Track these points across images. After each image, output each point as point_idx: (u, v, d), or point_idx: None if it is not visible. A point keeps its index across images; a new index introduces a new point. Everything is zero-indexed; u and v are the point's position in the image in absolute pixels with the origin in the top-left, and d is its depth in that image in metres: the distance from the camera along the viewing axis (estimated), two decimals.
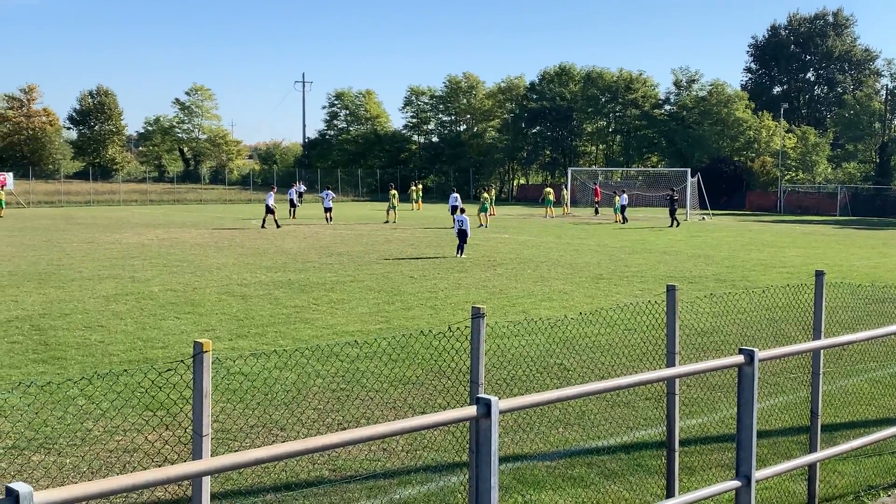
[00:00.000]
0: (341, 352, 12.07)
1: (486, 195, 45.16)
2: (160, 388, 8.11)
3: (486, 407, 3.60)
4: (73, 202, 66.13)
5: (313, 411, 9.61)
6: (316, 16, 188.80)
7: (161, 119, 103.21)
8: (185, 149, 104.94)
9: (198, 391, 4.65)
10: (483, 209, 42.44)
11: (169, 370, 6.52)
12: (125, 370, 10.60)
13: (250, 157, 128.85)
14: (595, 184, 63.43)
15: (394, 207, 45.93)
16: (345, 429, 9.02)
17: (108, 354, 12.39)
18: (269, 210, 39.74)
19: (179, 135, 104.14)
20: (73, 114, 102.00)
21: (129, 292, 18.48)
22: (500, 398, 3.78)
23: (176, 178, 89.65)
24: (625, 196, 49.79)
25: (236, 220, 45.35)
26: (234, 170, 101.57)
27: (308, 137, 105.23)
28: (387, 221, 44.83)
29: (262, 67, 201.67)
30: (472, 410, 3.64)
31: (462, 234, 27.38)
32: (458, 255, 26.95)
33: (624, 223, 46.84)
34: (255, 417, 9.29)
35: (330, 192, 47.18)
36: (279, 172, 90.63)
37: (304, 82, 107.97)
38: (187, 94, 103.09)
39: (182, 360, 5.93)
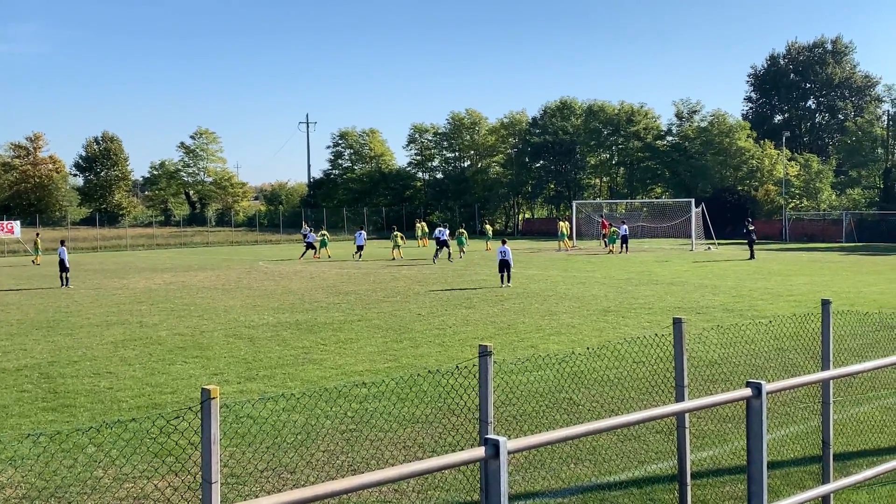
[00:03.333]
0: (350, 392, 12.06)
1: (461, 230, 48.46)
2: (169, 434, 8.11)
3: (494, 448, 3.60)
4: (80, 248, 66.32)
5: (323, 453, 9.58)
6: (319, 56, 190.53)
7: (166, 163, 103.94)
8: (191, 192, 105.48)
9: (206, 438, 4.66)
10: (460, 242, 46.37)
11: (177, 417, 6.53)
12: (133, 418, 10.60)
13: (256, 198, 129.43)
14: (601, 216, 63.57)
15: (398, 246, 47.30)
16: (355, 470, 8.99)
17: (116, 401, 12.39)
18: (310, 246, 45.73)
19: (185, 178, 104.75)
20: (80, 160, 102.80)
21: (137, 338, 18.50)
22: (508, 438, 3.78)
23: (182, 222, 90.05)
24: (624, 227, 51.71)
25: (243, 262, 45.47)
26: (239, 211, 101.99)
27: (313, 177, 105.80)
28: (392, 259, 45.84)
29: (266, 109, 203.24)
30: (480, 452, 3.64)
31: (504, 265, 29.27)
32: (506, 285, 29.01)
33: (622, 253, 48.82)
34: (265, 462, 9.26)
35: (363, 231, 49.23)
36: (285, 213, 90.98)
37: (308, 123, 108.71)
38: (192, 137, 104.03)
39: (190, 407, 5.94)
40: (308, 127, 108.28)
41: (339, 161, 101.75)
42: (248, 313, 22.57)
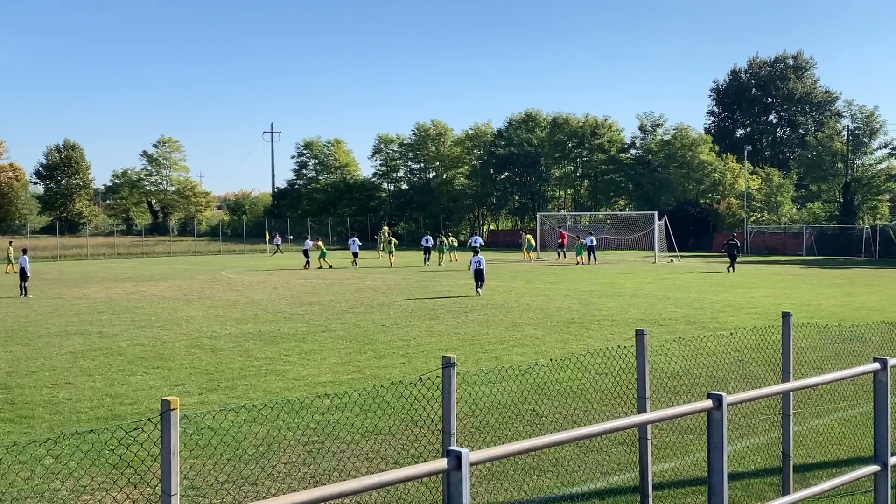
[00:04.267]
0: (312, 404, 11.98)
1: (444, 238, 53.34)
2: (128, 446, 8.00)
3: (456, 460, 3.60)
4: (40, 257, 65.33)
5: (284, 465, 9.50)
6: (284, 66, 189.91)
7: (129, 172, 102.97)
8: (154, 201, 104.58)
9: (165, 450, 4.60)
10: (441, 251, 51.01)
11: (137, 428, 6.44)
12: (92, 429, 10.45)
13: (219, 207, 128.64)
14: (560, 228, 63.92)
15: (391, 252, 50.93)
16: (317, 482, 8.94)
17: (75, 412, 12.21)
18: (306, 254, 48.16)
19: (147, 187, 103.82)
20: (40, 168, 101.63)
21: (96, 348, 18.26)
22: (470, 450, 3.78)
23: (144, 231, 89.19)
24: (591, 238, 52.69)
25: (205, 272, 45.10)
26: (202, 221, 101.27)
27: (277, 187, 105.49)
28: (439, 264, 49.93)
29: (230, 118, 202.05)
30: (442, 464, 3.63)
31: (478, 274, 30.20)
32: (477, 294, 29.74)
33: (590, 264, 49.84)
34: (225, 474, 9.17)
35: (356, 239, 52.00)
36: (248, 223, 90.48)
37: (272, 132, 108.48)
38: (155, 146, 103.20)
39: (150, 419, 5.87)
40: (272, 136, 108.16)
41: (304, 171, 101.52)
42: (211, 324, 22.38)
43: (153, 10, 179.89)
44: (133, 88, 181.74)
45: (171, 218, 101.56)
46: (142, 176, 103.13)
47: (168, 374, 15.16)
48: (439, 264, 49.77)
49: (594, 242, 52.74)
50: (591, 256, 51.03)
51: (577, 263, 50.28)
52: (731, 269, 43.74)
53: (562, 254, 56.42)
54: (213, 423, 10.67)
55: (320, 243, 50.16)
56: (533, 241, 56.87)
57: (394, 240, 53.84)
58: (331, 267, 46.95)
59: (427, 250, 51.65)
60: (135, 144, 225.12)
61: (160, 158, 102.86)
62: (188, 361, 16.51)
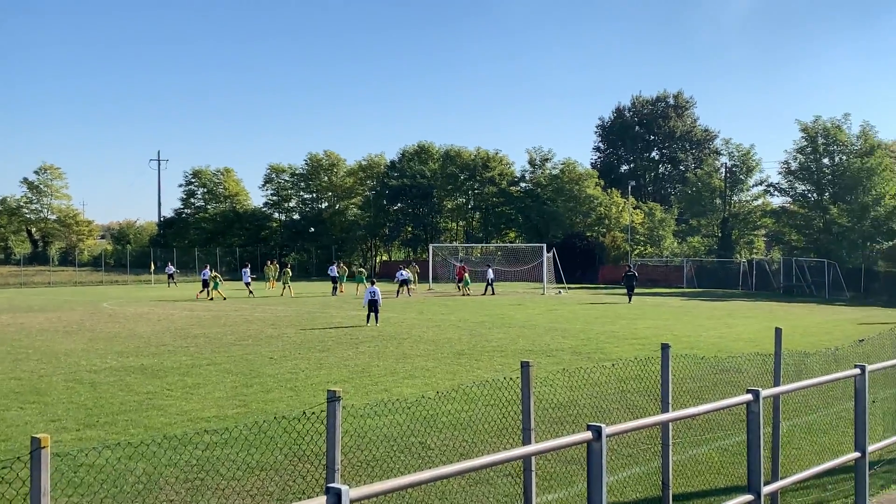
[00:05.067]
0: (195, 439, 11.71)
1: (360, 269, 55.04)
2: None
3: (336, 497, 3.57)
4: None
5: (166, 503, 9.25)
6: (172, 92, 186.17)
7: (8, 199, 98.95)
8: (34, 229, 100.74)
9: (35, 490, 4.43)
10: (359, 280, 51.51)
11: (5, 467, 6.18)
12: None
13: (102, 237, 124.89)
14: (460, 262, 64.10)
15: (287, 284, 50.84)
16: None
17: None
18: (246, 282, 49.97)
19: (27, 215, 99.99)
20: None
21: None
22: (356, 484, 3.76)
23: (23, 260, 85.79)
24: (490, 270, 53.88)
25: (87, 303, 43.63)
26: (84, 251, 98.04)
27: (164, 216, 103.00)
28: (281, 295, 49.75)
29: (115, 145, 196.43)
30: (321, 501, 3.60)
31: (372, 304, 30.39)
32: (373, 324, 30.00)
33: (486, 294, 50.91)
34: None
35: (247, 270, 53.11)
36: (133, 253, 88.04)
37: (159, 160, 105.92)
38: (36, 173, 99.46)
39: (19, 457, 5.65)
40: (159, 164, 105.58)
41: (192, 200, 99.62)
42: (91, 357, 21.65)
43: (36, 32, 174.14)
44: (13, 113, 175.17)
45: (51, 247, 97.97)
46: (21, 203, 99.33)
47: (44, 409, 14.58)
48: (339, 293, 50.77)
49: (493, 276, 53.75)
50: (489, 288, 52.07)
51: (464, 295, 50.77)
52: (629, 299, 45.06)
53: (463, 287, 56.25)
54: (90, 460, 10.31)
55: (216, 274, 48.96)
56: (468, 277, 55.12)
57: (288, 270, 53.12)
58: (224, 299, 45.91)
59: (335, 279, 52.38)
60: (15, 171, 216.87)
61: (41, 186, 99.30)
62: (66, 396, 15.92)
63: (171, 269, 68.28)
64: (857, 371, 9.00)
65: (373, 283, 32.30)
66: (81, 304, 42.87)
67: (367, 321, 30.52)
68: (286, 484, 9.94)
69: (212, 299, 45.91)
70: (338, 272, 53.28)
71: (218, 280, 47.32)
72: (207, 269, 50.72)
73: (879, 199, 63.60)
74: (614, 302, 45.73)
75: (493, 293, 51.56)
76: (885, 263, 60.79)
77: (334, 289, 52.24)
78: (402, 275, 50.83)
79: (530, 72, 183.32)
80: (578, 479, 10.39)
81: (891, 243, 62.14)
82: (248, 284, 50.94)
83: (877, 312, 41.92)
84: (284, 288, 50.51)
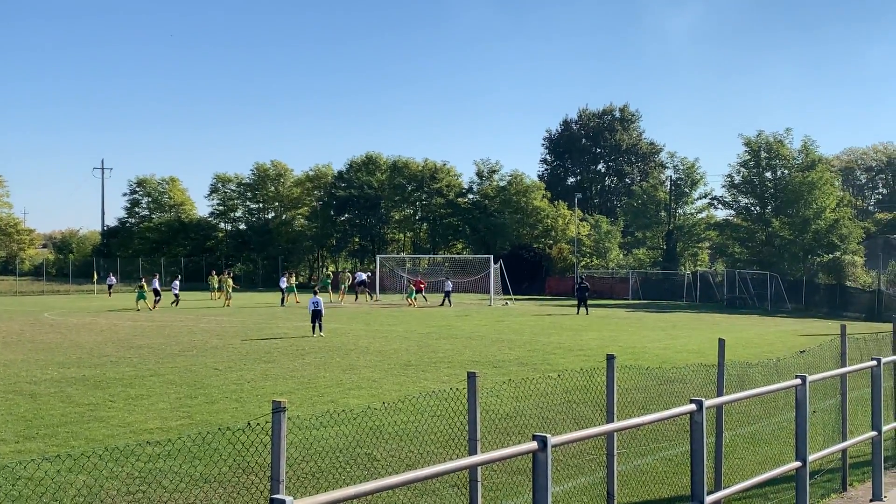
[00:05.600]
0: (138, 451, 11.52)
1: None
2: None
3: None
4: None
5: None
6: (115, 100, 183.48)
7: None
8: None
9: None
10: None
11: None
12: None
13: (44, 246, 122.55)
14: (415, 276, 63.81)
15: (228, 294, 50.88)
16: None
17: None
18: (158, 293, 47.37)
19: None
20: None
21: None
22: (295, 496, 3.73)
23: None
24: (449, 283, 54.46)
25: (27, 313, 42.73)
26: (25, 260, 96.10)
27: (107, 225, 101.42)
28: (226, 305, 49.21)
29: (57, 152, 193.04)
30: None
31: (316, 315, 30.43)
32: (318, 334, 30.00)
33: (443, 306, 51.37)
34: None
35: (177, 282, 52.67)
36: (76, 262, 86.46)
37: (102, 168, 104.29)
38: None
39: None
40: (103, 173, 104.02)
41: (136, 209, 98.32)
42: (31, 368, 21.19)
43: None
44: None
45: None
46: None
47: None
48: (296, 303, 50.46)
49: (451, 287, 54.08)
50: (447, 300, 52.52)
51: (409, 305, 50.81)
52: (586, 311, 45.27)
53: (410, 298, 55.94)
54: (29, 473, 10.09)
55: (144, 284, 47.75)
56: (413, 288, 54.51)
57: (230, 281, 52.48)
58: (150, 310, 44.97)
59: (283, 291, 52.49)
60: None
61: None
62: (5, 408, 15.57)
63: (112, 279, 67.44)
64: (798, 381, 9.16)
65: (315, 294, 32.16)
66: (22, 314, 41.98)
67: (313, 332, 30.35)
68: (230, 496, 9.82)
69: (138, 310, 44.71)
70: (287, 284, 52.96)
71: (143, 291, 46.05)
72: (176, 282, 51.69)
73: (820, 212, 64.90)
74: (561, 314, 46.02)
75: (450, 305, 51.71)
76: (825, 276, 62.03)
77: (282, 300, 51.94)
78: (282, 281, 53.39)
79: (478, 84, 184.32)
80: (524, 490, 10.42)
81: (831, 256, 63.43)
82: (176, 296, 50.47)
83: (817, 324, 42.76)
84: (227, 297, 50.14)
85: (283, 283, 53.12)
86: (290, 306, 49.18)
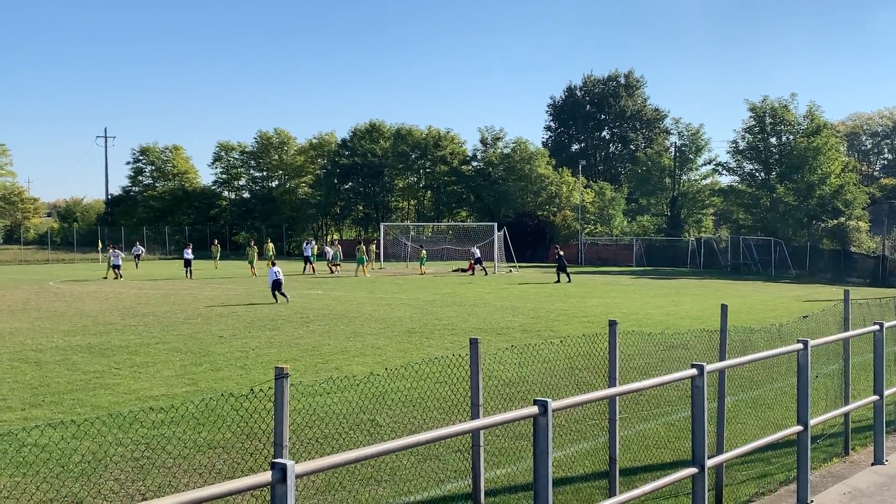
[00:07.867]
0: (143, 418, 11.59)
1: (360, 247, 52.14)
2: None
3: (281, 472, 3.56)
4: None
5: (114, 482, 9.16)
6: (119, 68, 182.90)
7: None
8: None
9: None
10: (360, 262, 49.87)
11: None
12: None
13: (48, 214, 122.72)
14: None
15: (251, 262, 49.22)
16: (145, 498, 8.65)
17: None
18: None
19: None
20: None
21: None
22: (298, 461, 3.75)
23: None
24: (476, 249, 53.30)
25: (32, 282, 42.86)
26: (30, 229, 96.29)
27: (111, 194, 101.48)
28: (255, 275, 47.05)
29: (61, 121, 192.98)
30: (266, 477, 3.59)
31: (276, 284, 30.98)
32: (286, 301, 30.35)
33: (484, 274, 50.87)
34: (54, 490, 8.76)
35: (312, 242, 54.26)
36: (80, 231, 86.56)
37: (106, 137, 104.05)
38: None
39: None
40: (106, 141, 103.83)
41: (140, 178, 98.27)
42: (36, 336, 21.30)
43: None
44: None
45: None
46: None
47: None
48: (355, 275, 48.74)
49: (479, 253, 52.79)
50: (481, 267, 51.44)
51: (422, 273, 50.70)
52: (567, 279, 44.56)
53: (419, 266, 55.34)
54: (36, 439, 10.17)
55: (117, 250, 46.93)
56: (364, 254, 51.95)
57: (253, 247, 51.18)
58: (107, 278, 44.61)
59: (307, 259, 51.54)
60: None
61: None
62: (11, 375, 15.67)
63: (140, 249, 63.84)
64: (800, 346, 9.17)
65: (274, 264, 32.32)
66: (27, 283, 42.12)
67: (276, 300, 30.70)
68: (234, 462, 9.89)
69: (116, 278, 44.54)
70: (310, 252, 52.32)
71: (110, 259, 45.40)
72: (188, 250, 49.10)
73: (825, 178, 64.66)
74: (564, 281, 46.03)
75: (486, 273, 51.17)
76: (829, 241, 61.94)
77: (304, 268, 51.12)
78: (327, 252, 52.84)
79: (482, 50, 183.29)
80: (527, 455, 10.48)
81: (835, 222, 63.28)
82: (307, 259, 50.98)
83: (821, 289, 42.77)
84: (253, 267, 48.70)
85: (308, 251, 52.55)
86: (308, 274, 49.14)
